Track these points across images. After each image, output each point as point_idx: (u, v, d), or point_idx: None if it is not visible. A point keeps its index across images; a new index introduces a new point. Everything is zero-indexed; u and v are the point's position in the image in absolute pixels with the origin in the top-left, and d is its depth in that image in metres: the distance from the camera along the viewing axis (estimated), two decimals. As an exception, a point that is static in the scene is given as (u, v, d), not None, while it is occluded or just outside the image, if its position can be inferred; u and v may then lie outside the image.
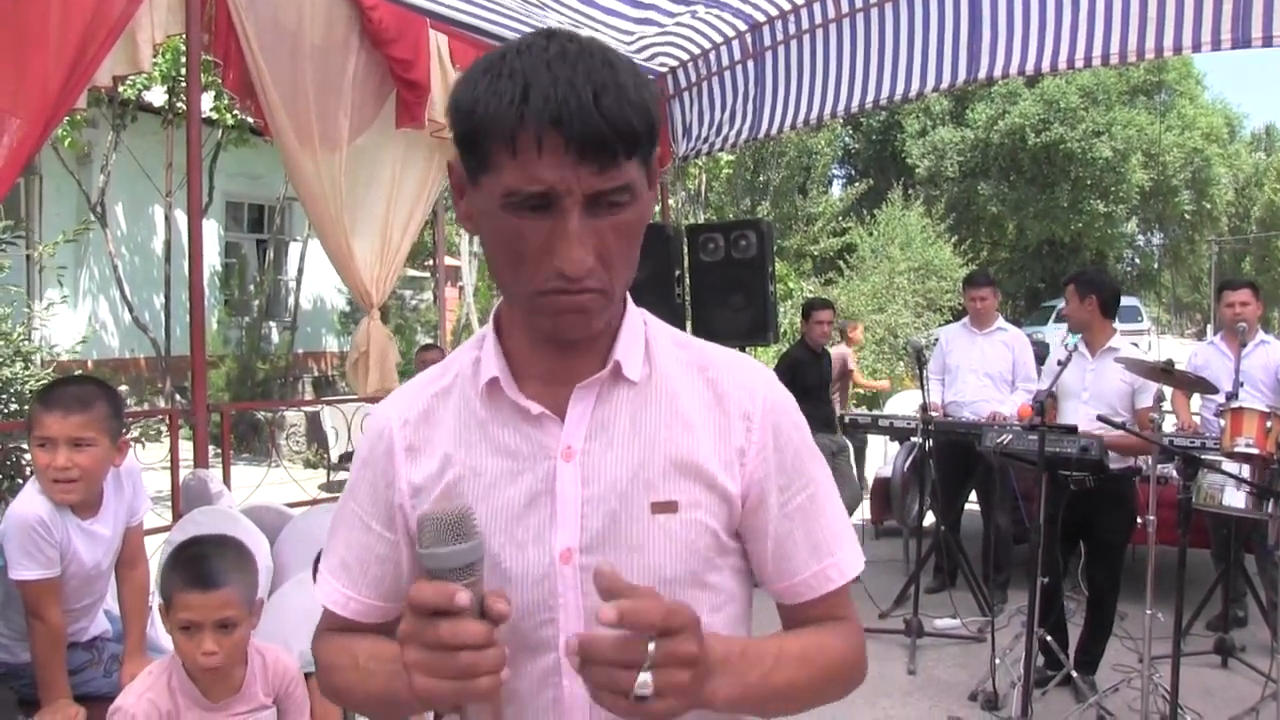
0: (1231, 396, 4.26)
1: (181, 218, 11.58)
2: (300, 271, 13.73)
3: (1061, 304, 4.66)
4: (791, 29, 5.93)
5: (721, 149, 6.88)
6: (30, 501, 2.45)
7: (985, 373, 5.66)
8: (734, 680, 0.93)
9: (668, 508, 1.00)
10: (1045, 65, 5.30)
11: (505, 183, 0.88)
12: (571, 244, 0.88)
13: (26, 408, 5.18)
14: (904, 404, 8.22)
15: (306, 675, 2.16)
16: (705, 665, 0.87)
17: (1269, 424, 3.58)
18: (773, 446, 1.04)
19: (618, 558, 0.98)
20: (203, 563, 1.97)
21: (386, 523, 1.07)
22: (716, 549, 1.03)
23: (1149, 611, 3.53)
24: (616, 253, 0.92)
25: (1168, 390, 4.21)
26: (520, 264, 0.92)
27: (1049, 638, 4.05)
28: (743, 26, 5.81)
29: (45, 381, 5.71)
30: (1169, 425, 5.25)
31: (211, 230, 12.58)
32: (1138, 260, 34.52)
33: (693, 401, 1.03)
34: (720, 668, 0.91)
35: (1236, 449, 3.56)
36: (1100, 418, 3.69)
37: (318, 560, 1.85)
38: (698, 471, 1.01)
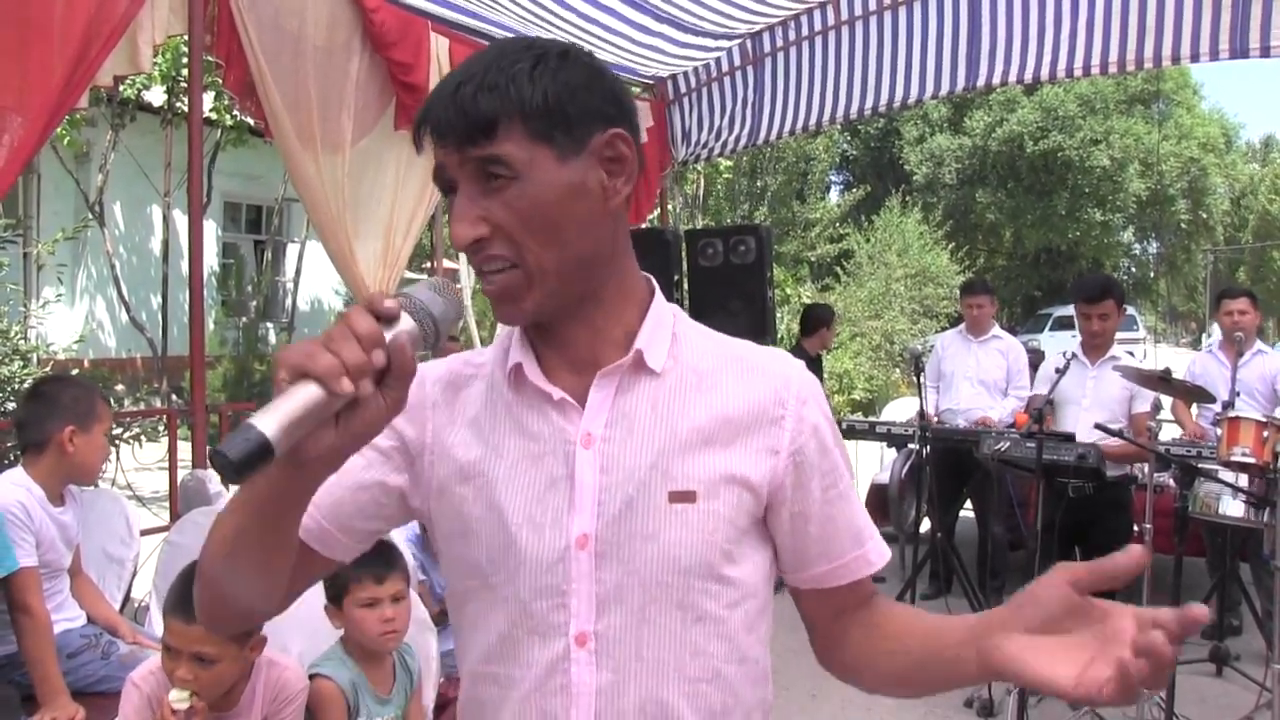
0: (1228, 406, 4.27)
1: (179, 218, 11.56)
2: (298, 272, 13.71)
3: (1058, 310, 4.66)
4: (791, 35, 5.95)
5: (720, 154, 6.89)
6: (7, 490, 2.54)
7: (979, 380, 5.67)
8: None
9: (685, 497, 1.00)
10: (1044, 73, 5.32)
11: None
12: (453, 219, 0.97)
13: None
14: (900, 410, 8.21)
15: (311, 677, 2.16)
16: None
17: (1265, 433, 3.59)
18: (810, 434, 1.05)
19: (634, 545, 0.99)
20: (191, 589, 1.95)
21: (384, 450, 1.07)
22: (736, 541, 1.03)
23: (1145, 619, 3.53)
24: (517, 227, 0.95)
25: (1166, 400, 4.22)
26: None
27: (1044, 645, 4.05)
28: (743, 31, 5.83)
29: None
30: (1175, 434, 5.25)
31: (209, 231, 12.53)
32: (1134, 269, 34.58)
33: (722, 394, 1.04)
34: None
35: (1233, 458, 3.58)
36: (1098, 425, 3.70)
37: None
38: (719, 463, 1.02)
